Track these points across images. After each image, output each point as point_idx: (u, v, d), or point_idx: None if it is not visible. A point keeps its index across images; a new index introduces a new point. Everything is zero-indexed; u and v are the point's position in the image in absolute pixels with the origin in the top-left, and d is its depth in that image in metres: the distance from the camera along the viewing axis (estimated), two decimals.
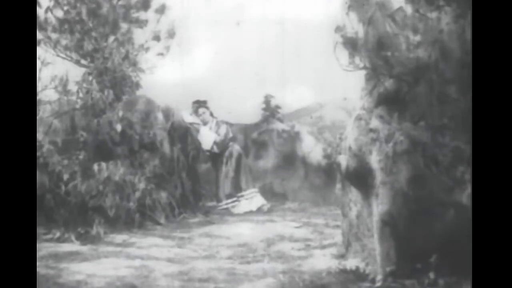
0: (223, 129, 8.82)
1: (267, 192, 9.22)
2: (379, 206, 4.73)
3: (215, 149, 8.76)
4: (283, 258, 5.68)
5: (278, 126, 9.91)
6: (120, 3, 8.04)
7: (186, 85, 8.64)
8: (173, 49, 8.32)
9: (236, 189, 8.67)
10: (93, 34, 7.82)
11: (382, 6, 4.81)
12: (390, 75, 4.83)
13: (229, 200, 8.60)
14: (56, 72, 7.47)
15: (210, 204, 8.69)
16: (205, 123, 8.82)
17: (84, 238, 6.33)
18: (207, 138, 8.77)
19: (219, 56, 9.13)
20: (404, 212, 4.64)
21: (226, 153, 8.74)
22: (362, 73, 5.12)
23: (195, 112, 8.87)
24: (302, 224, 7.44)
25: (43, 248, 5.87)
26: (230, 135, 8.91)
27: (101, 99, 7.61)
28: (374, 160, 4.83)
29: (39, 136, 6.89)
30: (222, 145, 8.75)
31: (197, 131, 8.75)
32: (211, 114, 8.90)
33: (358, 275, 4.91)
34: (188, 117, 8.76)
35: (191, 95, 8.91)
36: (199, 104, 8.89)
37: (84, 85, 7.69)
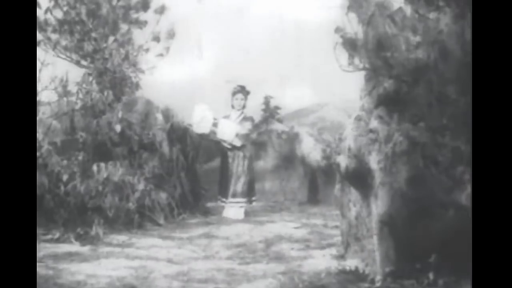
0: (248, 124, 8.37)
1: (267, 193, 9.23)
2: (378, 206, 4.73)
3: (237, 142, 8.26)
4: (282, 259, 5.69)
5: (278, 126, 9.93)
6: (119, 4, 8.06)
7: (186, 85, 8.63)
8: (172, 49, 8.33)
9: (249, 190, 8.33)
10: (93, 35, 7.84)
11: (382, 7, 4.82)
12: (389, 75, 4.84)
13: (241, 200, 8.24)
14: (56, 73, 7.49)
15: (209, 204, 8.68)
16: (238, 108, 8.32)
17: (83, 239, 6.33)
18: (229, 128, 8.27)
19: (218, 57, 9.13)
20: (404, 213, 4.64)
21: (245, 151, 8.34)
22: (362, 73, 5.12)
23: (233, 93, 8.33)
24: (301, 224, 7.45)
25: (43, 249, 5.86)
26: (254, 134, 8.60)
27: (100, 100, 7.62)
28: (374, 160, 4.83)
29: (39, 136, 6.89)
30: (244, 140, 8.30)
31: (215, 127, 8.22)
32: (244, 106, 8.40)
33: (357, 276, 4.92)
34: (198, 115, 8.28)
35: (191, 96, 8.90)
36: (241, 89, 8.35)
37: (84, 86, 7.71)
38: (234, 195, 8.21)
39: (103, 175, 6.99)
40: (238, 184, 8.23)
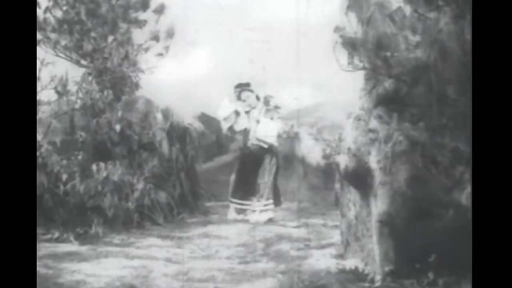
0: (277, 118, 7.81)
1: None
2: (378, 206, 4.74)
3: (275, 142, 7.78)
4: (282, 258, 5.69)
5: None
6: (119, 3, 8.04)
7: (185, 85, 8.62)
8: (172, 49, 8.31)
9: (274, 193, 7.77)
10: (92, 34, 7.83)
11: (381, 6, 4.82)
12: (389, 75, 4.84)
13: (267, 202, 7.67)
14: (56, 72, 7.47)
15: (208, 204, 8.65)
16: (252, 108, 7.72)
17: (83, 238, 6.33)
18: (272, 127, 7.72)
19: (218, 56, 9.12)
20: (403, 212, 4.64)
21: (274, 151, 7.80)
22: (361, 73, 5.12)
23: (238, 97, 7.75)
24: (301, 224, 7.44)
25: (42, 248, 5.87)
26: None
27: (100, 99, 7.61)
28: (373, 160, 4.84)
29: (38, 136, 6.89)
30: (281, 138, 7.93)
31: (245, 129, 7.69)
32: (257, 98, 7.79)
33: (357, 275, 4.92)
34: (226, 109, 7.76)
35: (191, 96, 8.88)
36: (242, 88, 7.76)
37: (84, 85, 7.69)
38: (261, 199, 7.68)
39: (103, 174, 6.99)
40: (267, 187, 7.71)
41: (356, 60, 4.94)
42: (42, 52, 7.55)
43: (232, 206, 7.79)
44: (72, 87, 7.66)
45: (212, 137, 10.28)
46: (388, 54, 4.78)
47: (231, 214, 7.79)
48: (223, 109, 7.81)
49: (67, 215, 6.74)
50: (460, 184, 4.53)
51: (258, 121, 7.70)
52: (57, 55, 7.88)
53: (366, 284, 4.72)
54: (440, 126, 4.65)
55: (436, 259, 4.47)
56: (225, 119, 7.81)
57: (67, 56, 7.95)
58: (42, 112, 7.33)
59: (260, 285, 4.81)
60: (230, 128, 7.87)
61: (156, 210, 7.43)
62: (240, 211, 7.73)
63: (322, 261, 5.49)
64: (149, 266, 5.35)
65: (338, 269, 5.11)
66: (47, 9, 7.73)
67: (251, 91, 7.76)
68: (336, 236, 6.12)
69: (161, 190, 7.65)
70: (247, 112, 7.73)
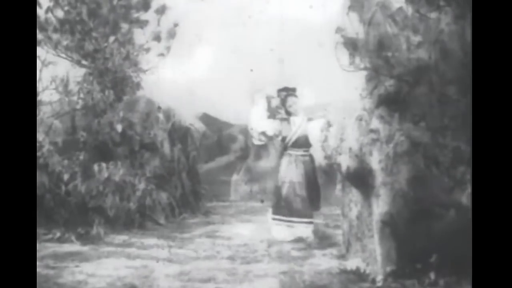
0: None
1: (268, 193, 9.22)
2: (380, 206, 4.73)
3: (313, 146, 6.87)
4: (283, 258, 5.69)
5: None
6: (120, 3, 8.05)
7: (187, 85, 8.62)
8: (173, 49, 8.32)
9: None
10: (94, 34, 7.83)
11: (383, 7, 4.82)
12: (390, 75, 4.83)
13: (306, 220, 6.58)
14: (57, 73, 7.49)
15: (210, 204, 8.63)
16: (294, 115, 6.80)
17: (84, 238, 6.34)
18: (317, 129, 6.67)
19: (219, 57, 9.12)
20: (405, 213, 4.64)
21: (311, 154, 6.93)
22: (363, 73, 5.12)
23: (283, 102, 6.85)
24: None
25: (43, 249, 5.88)
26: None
27: (101, 100, 7.62)
28: (375, 160, 4.83)
29: (40, 136, 6.90)
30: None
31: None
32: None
33: (358, 275, 4.92)
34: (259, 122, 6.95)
35: (192, 96, 8.88)
36: (288, 93, 6.83)
37: (85, 85, 7.71)
38: (295, 213, 6.59)
39: (104, 175, 7.00)
40: (305, 198, 6.69)
41: (357, 60, 4.94)
42: (44, 52, 7.56)
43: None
44: (73, 87, 7.68)
45: (213, 138, 10.28)
46: (390, 54, 4.78)
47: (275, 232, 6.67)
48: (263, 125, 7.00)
49: (69, 215, 6.76)
50: (461, 184, 4.53)
51: (310, 119, 6.83)
52: (58, 55, 7.89)
53: (368, 284, 4.72)
54: (441, 126, 4.65)
55: (437, 259, 4.47)
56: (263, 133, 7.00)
57: (68, 56, 7.96)
58: (44, 113, 7.34)
59: (261, 285, 4.81)
60: (264, 134, 7.03)
61: (157, 211, 7.44)
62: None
63: (324, 261, 5.49)
64: (151, 266, 5.36)
65: (340, 269, 5.10)
66: (48, 9, 7.74)
67: (297, 96, 6.84)
68: (337, 236, 6.12)
69: (162, 191, 7.66)
70: (285, 119, 6.91)
